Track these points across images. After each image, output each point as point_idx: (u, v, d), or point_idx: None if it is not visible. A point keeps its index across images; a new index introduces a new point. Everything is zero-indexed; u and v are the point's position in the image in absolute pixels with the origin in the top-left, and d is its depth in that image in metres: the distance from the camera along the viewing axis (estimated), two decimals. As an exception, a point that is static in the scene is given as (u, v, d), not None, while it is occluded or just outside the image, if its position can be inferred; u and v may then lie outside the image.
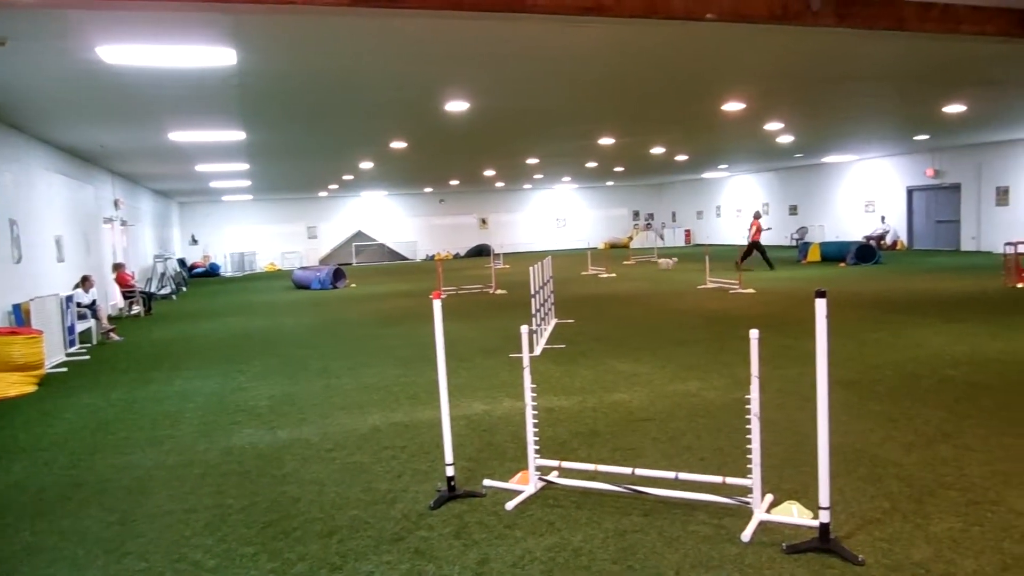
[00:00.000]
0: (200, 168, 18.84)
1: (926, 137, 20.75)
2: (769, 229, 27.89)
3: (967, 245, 24.95)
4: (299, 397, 7.78)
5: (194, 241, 35.87)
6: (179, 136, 12.91)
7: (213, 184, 24.41)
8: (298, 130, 13.37)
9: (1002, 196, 23.65)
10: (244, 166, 18.96)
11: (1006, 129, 19.53)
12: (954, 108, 14.47)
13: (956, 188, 25.24)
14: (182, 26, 6.32)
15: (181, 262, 30.65)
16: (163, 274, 22.86)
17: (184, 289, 25.27)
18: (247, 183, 24.83)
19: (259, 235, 36.98)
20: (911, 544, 3.74)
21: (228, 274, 34.93)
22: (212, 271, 34.06)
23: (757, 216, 22.15)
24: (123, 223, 20.21)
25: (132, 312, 17.03)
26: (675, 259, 26.17)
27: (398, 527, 4.27)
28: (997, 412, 5.99)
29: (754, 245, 21.51)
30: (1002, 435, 5.39)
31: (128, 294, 17.03)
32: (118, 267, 17.23)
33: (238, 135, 13.13)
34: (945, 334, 9.58)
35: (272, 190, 29.92)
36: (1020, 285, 14.39)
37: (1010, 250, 15.16)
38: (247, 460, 5.70)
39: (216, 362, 10.25)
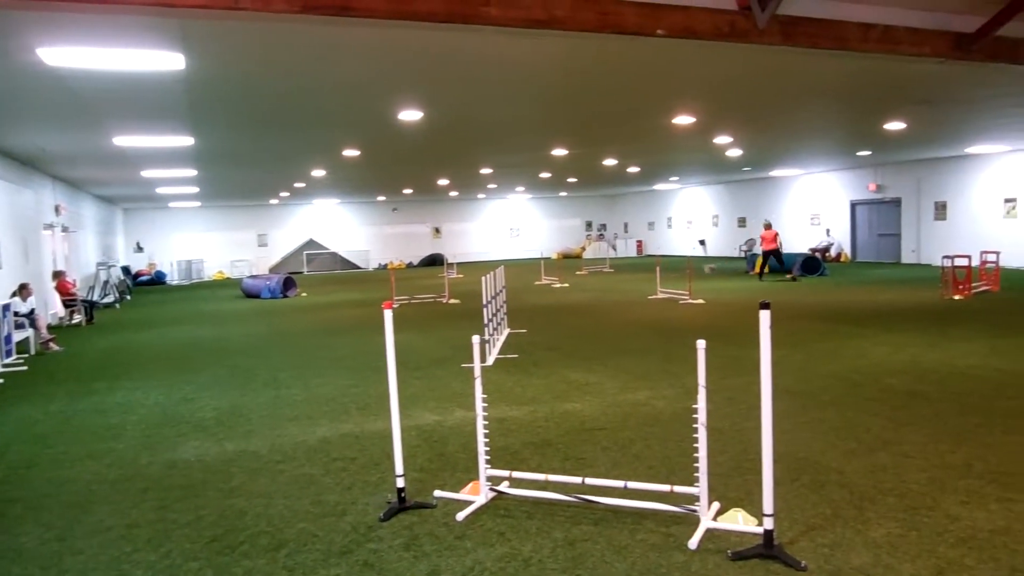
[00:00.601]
0: (146, 174, 18.43)
1: (868, 153, 21.39)
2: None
3: (907, 258, 25.75)
4: (247, 408, 7.65)
5: (139, 248, 35.02)
6: (124, 141, 12.62)
7: (160, 190, 23.89)
8: (248, 136, 13.19)
9: (940, 211, 24.48)
10: (192, 172, 18.61)
11: (943, 146, 20.25)
12: (895, 125, 14.96)
13: (897, 203, 26.05)
14: (127, 29, 6.19)
15: (125, 270, 29.89)
16: (106, 282, 22.26)
17: (128, 298, 24.63)
18: (195, 189, 24.37)
19: (207, 243, 36.27)
20: (851, 549, 3.84)
21: (175, 282, 34.19)
22: (158, 279, 33.28)
23: (768, 226, 22.06)
24: (64, 229, 19.64)
25: (73, 321, 16.53)
26: (713, 266, 26.76)
27: (347, 539, 4.22)
28: (934, 420, 6.19)
29: (772, 253, 21.60)
30: (938, 442, 5.56)
31: (69, 303, 16.54)
32: (58, 275, 16.73)
33: (186, 140, 12.89)
34: (886, 344, 9.86)
35: (221, 197, 29.40)
36: (957, 297, 14.90)
37: (947, 263, 15.69)
38: (192, 473, 5.58)
39: (160, 373, 10.01)
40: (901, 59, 7.10)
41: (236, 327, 15.09)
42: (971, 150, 21.44)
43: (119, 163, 16.05)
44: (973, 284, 15.67)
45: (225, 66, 7.85)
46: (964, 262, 15.59)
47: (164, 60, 7.17)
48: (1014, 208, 22.12)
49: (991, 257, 17.02)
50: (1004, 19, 6.57)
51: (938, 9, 6.71)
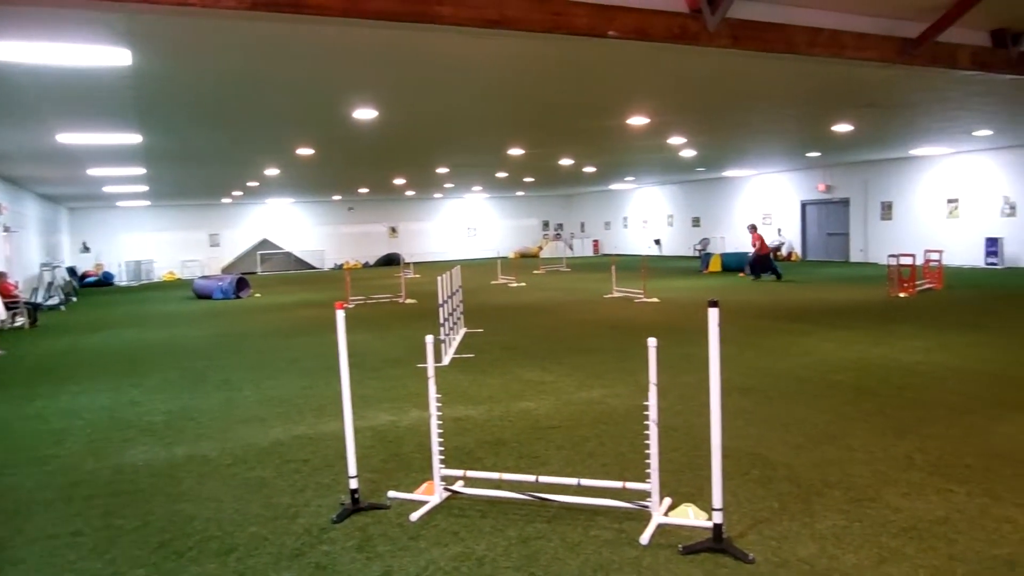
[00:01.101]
0: (92, 172, 17.96)
1: (818, 154, 21.87)
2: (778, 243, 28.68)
3: (856, 256, 26.39)
4: (197, 411, 7.51)
5: (86, 249, 34.11)
6: (69, 138, 12.28)
7: (107, 189, 23.30)
8: (199, 134, 12.95)
9: (886, 211, 25.15)
10: (141, 171, 18.19)
11: (889, 148, 20.81)
12: (842, 128, 15.32)
13: (845, 203, 26.68)
14: (70, 23, 6.03)
15: (71, 271, 29.10)
16: (51, 283, 21.63)
17: (74, 299, 23.98)
18: (144, 188, 23.82)
19: (157, 243, 35.48)
20: (798, 541, 3.93)
21: (123, 283, 33.39)
22: (105, 280, 32.44)
23: (754, 229, 21.38)
24: (5, 229, 19.04)
25: (15, 324, 16.03)
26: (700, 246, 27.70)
27: (299, 542, 4.18)
28: (878, 414, 6.36)
29: (762, 258, 20.88)
30: (882, 436, 5.72)
31: (11, 305, 16.03)
32: (0, 276, 16.21)
33: (134, 138, 12.60)
34: (834, 341, 10.09)
35: (171, 196, 28.80)
36: (902, 295, 15.32)
37: (893, 262, 16.12)
38: (140, 479, 5.46)
39: (107, 376, 9.78)
40: (848, 63, 7.27)
41: (187, 329, 14.81)
42: (915, 152, 22.08)
43: (63, 161, 15.62)
44: (917, 282, 16.12)
45: (174, 63, 7.70)
46: (909, 261, 16.03)
47: (110, 55, 7.00)
48: (956, 208, 22.82)
49: (934, 256, 17.54)
50: (944, 25, 6.78)
51: (883, 15, 6.89)
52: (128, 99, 9.39)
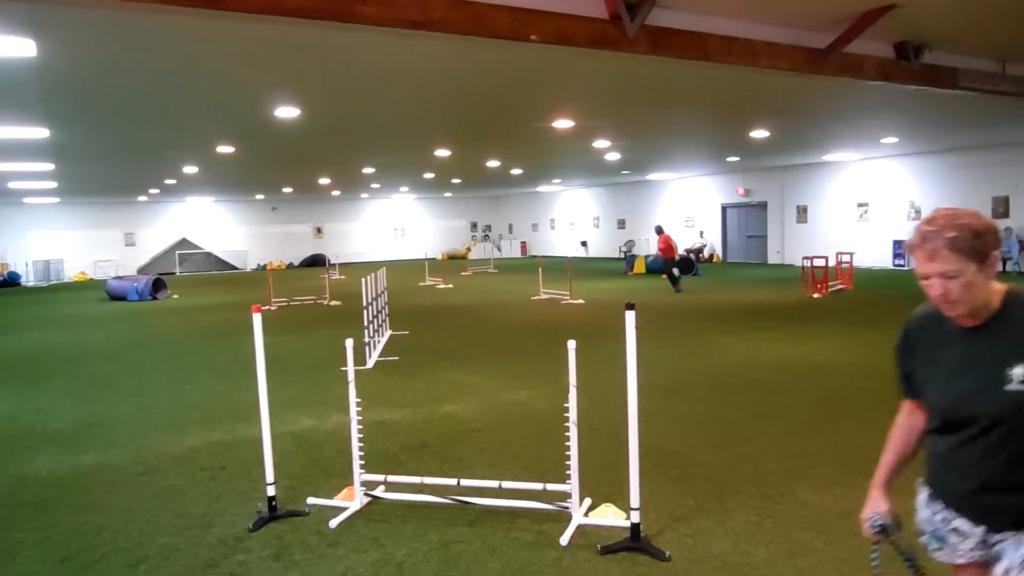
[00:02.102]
0: (-4, 167, 17.05)
1: (737, 159, 22.52)
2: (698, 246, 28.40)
3: (773, 258, 27.28)
4: (108, 418, 7.22)
5: (-10, 247, 32.38)
6: (-31, 132, 11.63)
7: (12, 185, 22.15)
8: (112, 130, 12.43)
9: (802, 214, 26.09)
10: (49, 166, 17.35)
11: (804, 154, 21.59)
12: (759, 133, 15.81)
13: (763, 206, 27.55)
14: (-32, 12, 5.71)
15: (-27, 271, 27.58)
16: (-50, 284, 20.47)
17: (-24, 301, 22.74)
18: (53, 184, 22.73)
19: (68, 241, 33.92)
20: (712, 538, 4.03)
21: (30, 284, 31.81)
22: (11, 280, 30.85)
23: (660, 231, 19.55)
24: (-100, 227, 17.90)
25: (-90, 327, 15.10)
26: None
27: (213, 552, 4.06)
28: (792, 412, 6.59)
29: (669, 263, 18.70)
30: (795, 432, 5.93)
31: (-95, 307, 15.09)
32: None
33: (40, 132, 12.01)
34: (751, 340, 10.41)
35: (83, 193, 27.57)
36: (816, 295, 15.91)
37: (807, 264, 16.74)
38: (44, 489, 5.22)
39: (10, 381, 9.30)
40: (761, 71, 7.51)
41: (99, 331, 14.22)
42: (828, 157, 22.97)
43: (-37, 155, 14.77)
44: (830, 283, 16.78)
45: (83, 56, 7.37)
46: (822, 262, 16.67)
47: (13, 46, 6.65)
48: (866, 212, 23.84)
49: (846, 258, 18.28)
50: (851, 36, 7.07)
51: (794, 26, 7.14)
52: (34, 91, 8.94)
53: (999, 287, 1.96)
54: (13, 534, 4.42)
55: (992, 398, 1.91)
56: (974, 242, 1.85)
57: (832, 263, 18.07)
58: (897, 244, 22.54)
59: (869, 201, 23.71)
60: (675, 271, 18.53)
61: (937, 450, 2.13)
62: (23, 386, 8.98)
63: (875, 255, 23.18)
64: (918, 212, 22.28)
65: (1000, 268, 2.88)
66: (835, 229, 24.67)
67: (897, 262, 22.54)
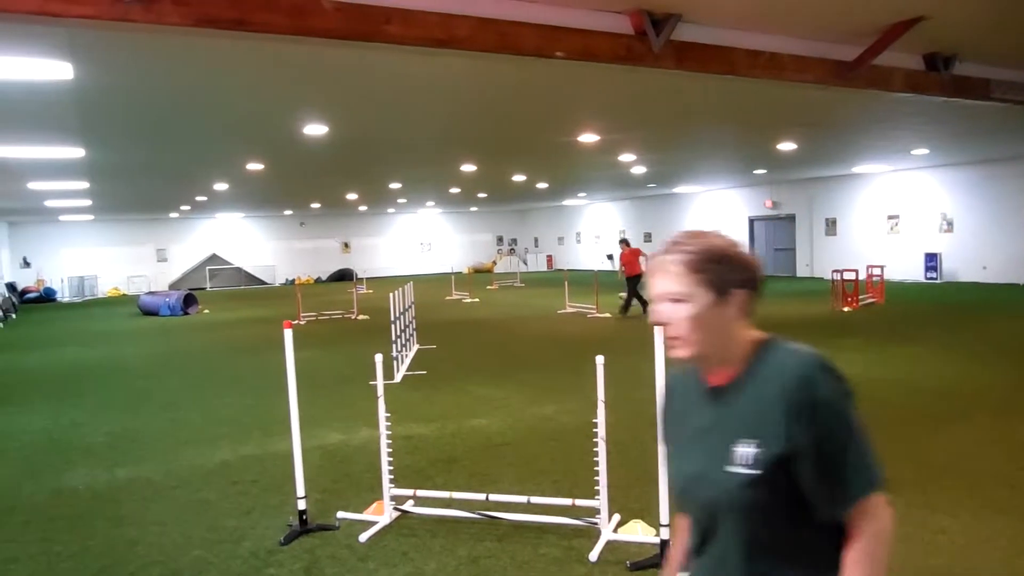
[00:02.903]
0: (33, 186, 17.44)
1: (764, 171, 22.37)
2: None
3: (802, 272, 27.01)
4: (141, 432, 7.33)
5: (26, 264, 33.05)
6: (9, 151, 11.92)
7: (49, 203, 22.64)
8: (144, 149, 12.69)
9: (831, 227, 25.82)
10: (84, 184, 17.71)
11: (832, 166, 21.39)
12: (786, 146, 15.71)
13: (791, 219, 27.32)
14: (9, 36, 5.88)
15: (11, 287, 28.16)
16: (-12, 300, 20.94)
17: (14, 316, 23.22)
18: (87, 202, 23.20)
19: (102, 258, 34.56)
20: (743, 555, 3.99)
21: (66, 299, 32.44)
22: (47, 296, 31.48)
23: (626, 244, 17.02)
24: (-59, 244, 18.38)
25: (-50, 342, 15.47)
26: None
27: (245, 566, 4.11)
28: (822, 427, 6.50)
29: (632, 282, 16.12)
30: (825, 448, 5.85)
31: (-55, 323, 15.47)
32: (-66, 293, 15.63)
33: (76, 152, 12.29)
34: (780, 355, 10.29)
35: (116, 210, 28.11)
36: (846, 309, 15.73)
37: (837, 277, 16.56)
38: (80, 503, 5.31)
39: (47, 396, 9.48)
40: (787, 85, 7.48)
41: (131, 347, 14.45)
42: (857, 169, 22.73)
43: (3, 175, 15.14)
44: (860, 297, 16.58)
45: (117, 77, 7.55)
46: (852, 276, 16.47)
47: (51, 69, 6.83)
48: (897, 224, 23.55)
49: (876, 271, 18.05)
50: (879, 49, 7.02)
51: (820, 39, 7.11)
52: (70, 113, 9.17)
53: (754, 336, 1.62)
54: (51, 546, 4.50)
55: (714, 481, 1.53)
56: (713, 266, 1.53)
57: (863, 276, 17.86)
58: (929, 257, 22.22)
59: (900, 213, 23.41)
60: (625, 295, 16.16)
61: (690, 545, 1.69)
62: (59, 401, 9.15)
63: (906, 268, 22.86)
64: (950, 224, 21.97)
65: None
66: (865, 242, 24.38)
67: (929, 275, 22.21)
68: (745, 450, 1.49)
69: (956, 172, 21.63)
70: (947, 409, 6.97)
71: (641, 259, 16.00)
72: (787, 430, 1.47)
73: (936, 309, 15.03)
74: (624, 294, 16.46)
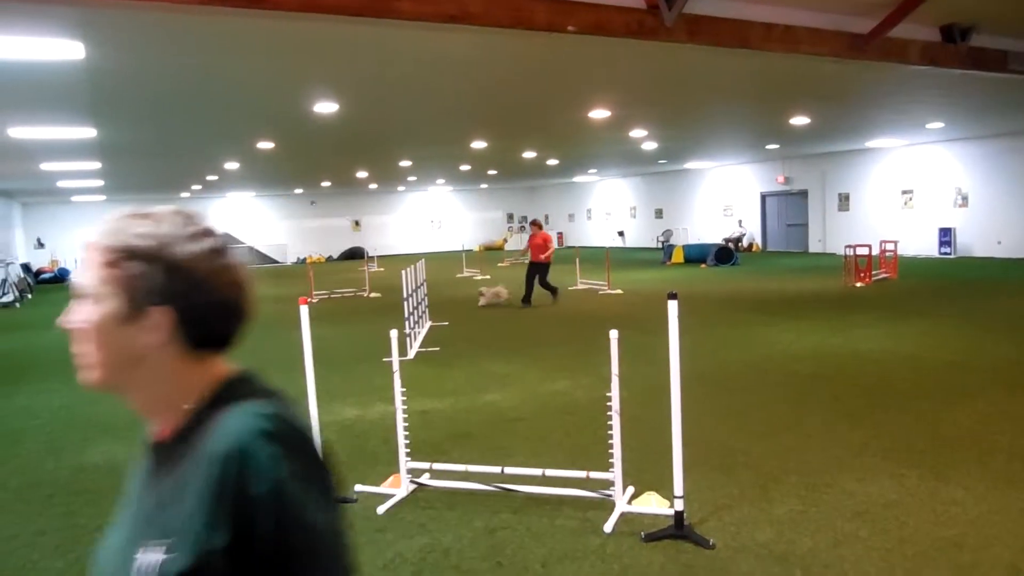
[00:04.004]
0: (46, 167, 17.53)
1: (776, 146, 22.20)
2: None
3: (814, 247, 26.87)
4: (159, 409, 7.42)
5: (40, 244, 33.30)
6: (21, 132, 11.98)
7: (61, 184, 22.76)
8: (155, 128, 12.72)
9: (843, 202, 25.64)
10: (96, 165, 17.80)
11: (845, 140, 21.21)
12: (799, 120, 15.57)
13: (804, 194, 27.13)
14: (22, 16, 5.90)
15: (26, 267, 28.40)
16: (4, 280, 21.12)
17: (29, 296, 23.43)
18: (100, 183, 23.30)
19: (114, 238, 34.69)
20: (756, 527, 4.04)
21: (80, 279, 32.62)
22: (61, 277, 31.73)
23: (538, 227, 15.44)
24: (-44, 225, 18.54)
25: (-32, 322, 15.65)
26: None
27: (265, 538, 4.18)
28: (834, 402, 6.53)
29: (535, 269, 14.82)
30: (838, 423, 5.88)
31: (-37, 302, 15.64)
32: (-49, 273, 15.80)
33: (88, 132, 12.34)
34: (792, 331, 10.30)
35: (128, 190, 28.21)
36: (859, 285, 15.67)
37: (849, 252, 16.47)
38: (102, 477, 5.40)
39: (65, 374, 9.59)
40: (802, 58, 7.42)
41: (147, 325, 14.57)
42: (871, 144, 22.53)
43: (16, 156, 15.22)
44: (873, 272, 16.49)
45: (128, 56, 7.57)
46: (865, 251, 16.38)
47: (62, 49, 6.85)
48: (911, 199, 23.36)
49: (890, 246, 17.94)
50: (894, 21, 6.95)
51: (835, 11, 7.03)
52: (82, 93, 9.20)
53: (214, 374, 1.17)
54: (75, 520, 4.59)
55: None
56: (134, 264, 1.05)
57: (876, 252, 17.75)
58: (944, 232, 22.05)
59: (914, 188, 23.22)
60: (537, 282, 14.66)
61: None
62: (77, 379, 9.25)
63: (920, 243, 22.71)
64: (965, 199, 21.78)
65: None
66: (878, 217, 24.21)
67: (944, 250, 22.06)
68: (149, 557, 0.97)
69: (972, 146, 21.40)
70: (960, 383, 6.97)
71: (552, 246, 14.93)
72: (203, 533, 0.95)
73: (950, 284, 14.95)
74: (540, 282, 14.79)
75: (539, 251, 14.74)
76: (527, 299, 14.57)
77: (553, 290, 14.80)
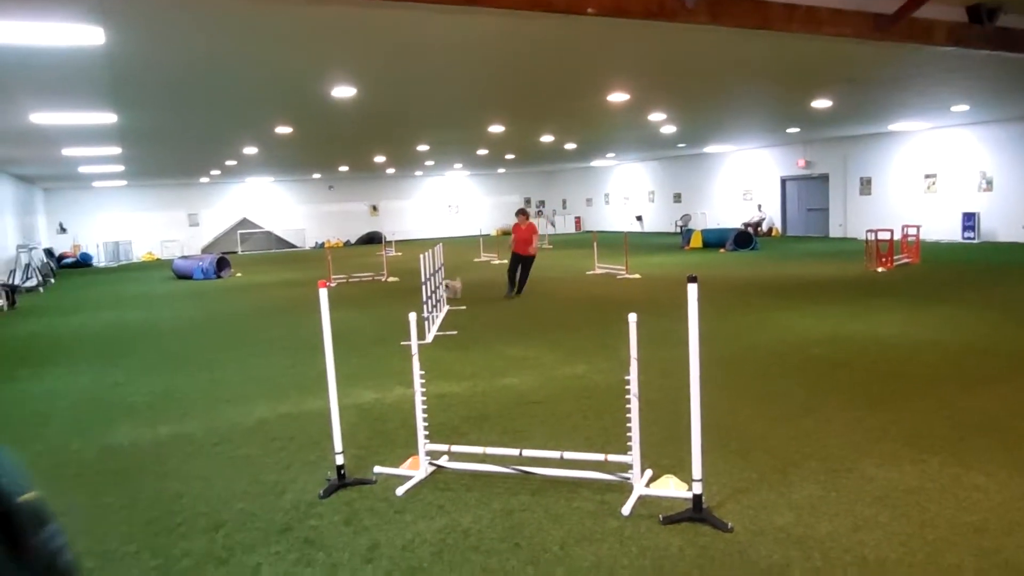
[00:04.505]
0: (67, 152, 17.70)
1: (797, 130, 21.96)
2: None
3: (835, 232, 26.62)
4: (181, 391, 7.52)
5: (62, 229, 33.67)
6: (42, 118, 12.09)
7: (82, 169, 22.97)
8: (174, 113, 12.79)
9: (865, 186, 25.35)
10: (116, 150, 17.94)
11: (868, 124, 20.93)
12: (821, 103, 15.39)
13: (825, 178, 26.85)
14: (40, 1, 5.94)
15: (48, 252, 28.74)
16: (28, 265, 21.39)
17: (52, 281, 23.74)
18: (120, 168, 23.50)
19: (135, 223, 35.06)
20: (775, 511, 4.03)
21: (102, 264, 33.04)
22: (83, 261, 32.09)
23: (524, 215, 13.85)
24: (-19, 210, 18.76)
25: (-7, 306, 15.88)
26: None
27: (287, 518, 4.23)
28: (854, 388, 6.49)
29: (519, 261, 13.66)
30: (857, 408, 5.84)
31: (-12, 286, 15.86)
32: (-24, 257, 16.02)
33: (108, 118, 12.43)
34: (812, 316, 10.23)
35: (148, 175, 28.44)
36: (880, 269, 15.51)
37: (871, 237, 16.30)
38: (126, 458, 5.49)
39: (89, 357, 9.73)
40: (824, 39, 7.32)
41: (168, 309, 14.73)
42: (893, 127, 22.22)
43: (38, 141, 15.38)
44: (895, 257, 16.33)
45: (147, 41, 7.60)
46: (887, 236, 16.21)
47: (82, 34, 6.89)
48: (934, 184, 23.05)
49: (912, 231, 17.74)
50: (920, 1, 6.83)
51: (859, -9, 6.93)
52: (102, 78, 9.26)
53: None
54: (101, 499, 4.67)
55: None
56: None
57: (898, 236, 17.56)
58: (967, 217, 21.76)
59: (937, 172, 22.90)
60: (518, 274, 13.68)
61: None
62: (101, 362, 9.39)
63: (943, 228, 22.43)
64: (989, 183, 21.47)
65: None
66: (901, 201, 23.93)
67: (967, 235, 21.77)
68: None
69: (997, 129, 21.06)
70: (983, 369, 6.90)
71: (535, 238, 13.49)
72: None
73: (973, 269, 14.77)
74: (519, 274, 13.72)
75: (526, 244, 13.45)
76: (519, 289, 13.71)
77: (521, 286, 13.77)
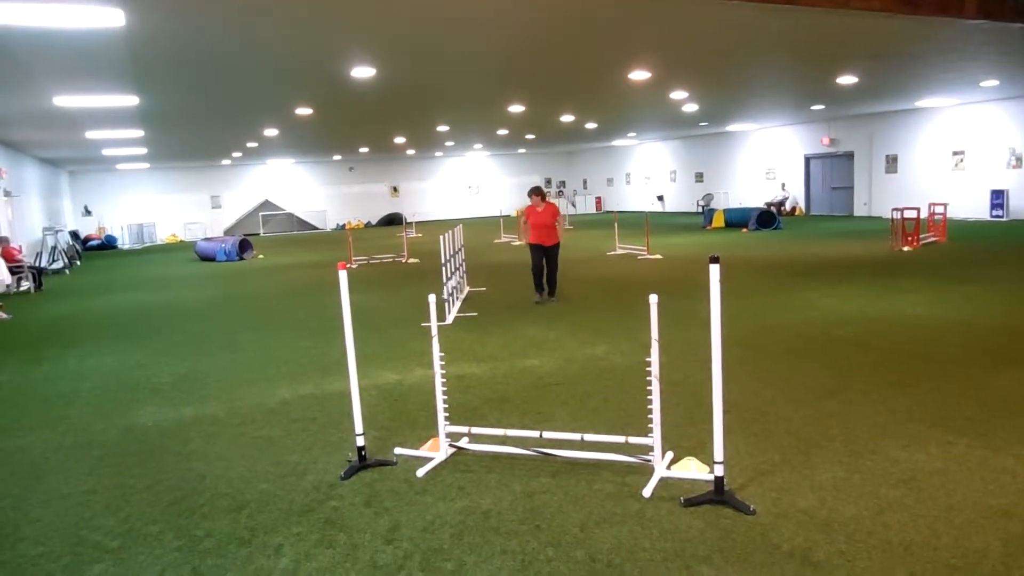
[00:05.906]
0: (91, 135, 17.85)
1: (822, 107, 21.61)
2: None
3: (860, 211, 26.24)
4: (203, 373, 7.58)
5: (87, 212, 34.06)
6: (66, 101, 12.18)
7: (106, 152, 23.18)
8: (196, 95, 12.83)
9: (891, 164, 24.94)
10: (139, 133, 18.07)
11: (894, 100, 20.54)
12: (847, 80, 15.11)
13: (850, 156, 26.44)
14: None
15: (74, 235, 29.09)
16: (54, 247, 21.67)
17: (78, 263, 24.04)
18: (143, 150, 23.69)
19: (158, 205, 35.37)
20: (798, 493, 3.99)
21: (126, 246, 33.40)
22: (108, 243, 32.46)
23: (539, 195, 10.87)
24: (6, 194, 19.00)
25: (21, 288, 16.10)
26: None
27: (308, 498, 4.26)
28: (878, 369, 6.40)
29: (544, 251, 10.76)
30: (882, 390, 5.76)
31: (16, 269, 16.08)
32: (3, 241, 16.22)
33: (130, 100, 12.49)
34: (836, 296, 10.11)
35: (171, 158, 28.64)
36: (906, 248, 15.28)
37: (897, 215, 16.05)
38: (149, 439, 5.54)
39: (113, 339, 9.85)
40: (851, 14, 7.16)
41: (191, 291, 14.86)
42: (921, 103, 21.80)
43: (61, 124, 15.51)
44: (921, 236, 16.07)
45: (167, 22, 7.60)
46: (913, 214, 15.94)
47: (102, 16, 6.90)
48: (962, 161, 22.62)
49: (939, 209, 17.43)
50: (950, -27, 6.66)
51: (887, -37, 6.76)
52: (123, 60, 9.29)
53: None
54: (125, 479, 4.72)
55: None
56: None
57: (924, 214, 17.27)
58: (996, 194, 21.35)
59: (965, 149, 22.45)
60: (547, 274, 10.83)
61: None
62: (125, 343, 9.50)
63: (971, 206, 22.03)
64: (1019, 160, 21.02)
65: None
66: (927, 179, 23.51)
67: (995, 213, 21.37)
68: None
69: (1028, 104, 20.59)
70: (1010, 350, 6.77)
71: (559, 222, 10.82)
72: None
73: (1001, 248, 14.50)
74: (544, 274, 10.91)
75: (550, 231, 10.66)
76: (551, 290, 10.84)
77: (552, 286, 10.87)
